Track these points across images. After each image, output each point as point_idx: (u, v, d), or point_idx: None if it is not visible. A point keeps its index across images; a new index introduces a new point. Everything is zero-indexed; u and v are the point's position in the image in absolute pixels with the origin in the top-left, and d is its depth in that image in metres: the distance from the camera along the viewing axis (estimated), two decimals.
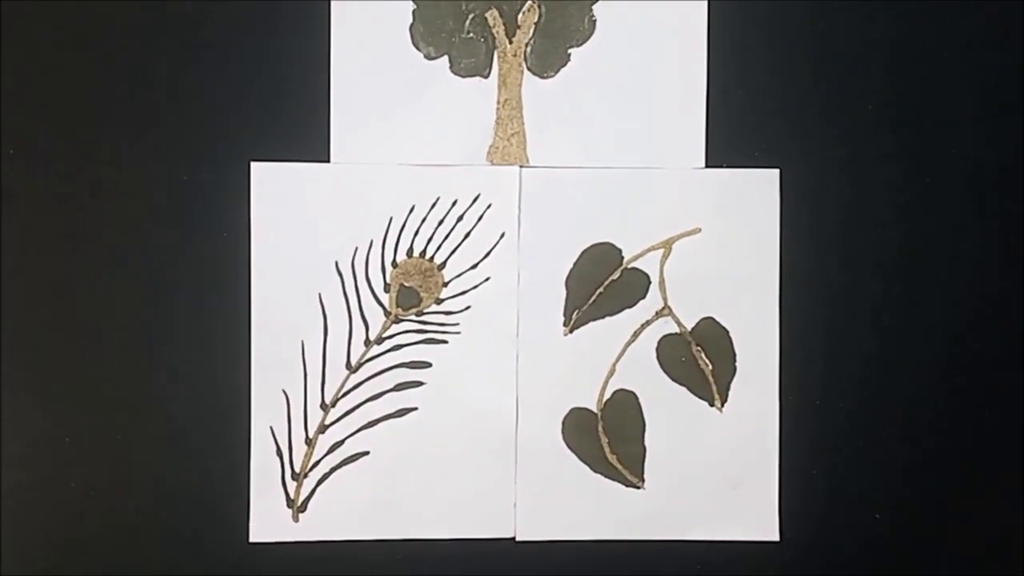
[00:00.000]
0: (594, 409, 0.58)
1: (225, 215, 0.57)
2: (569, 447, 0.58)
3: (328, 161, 0.57)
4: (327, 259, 0.57)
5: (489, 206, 0.58)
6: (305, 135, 0.57)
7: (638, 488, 0.58)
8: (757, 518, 0.58)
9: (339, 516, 0.58)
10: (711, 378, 0.58)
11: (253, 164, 0.57)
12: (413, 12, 0.57)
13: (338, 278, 0.57)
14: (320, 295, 0.57)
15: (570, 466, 0.57)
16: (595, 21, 0.57)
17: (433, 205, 0.57)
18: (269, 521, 0.57)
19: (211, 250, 0.57)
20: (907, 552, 0.59)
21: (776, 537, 0.58)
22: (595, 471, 0.58)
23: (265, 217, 0.57)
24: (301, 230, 0.57)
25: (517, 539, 0.57)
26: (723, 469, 0.58)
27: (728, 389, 0.58)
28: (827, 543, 0.59)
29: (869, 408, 0.59)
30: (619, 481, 0.58)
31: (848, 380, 0.59)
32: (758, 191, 0.58)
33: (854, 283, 0.59)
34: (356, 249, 0.57)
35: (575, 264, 0.58)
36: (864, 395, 0.59)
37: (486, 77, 0.57)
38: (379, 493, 0.57)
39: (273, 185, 0.57)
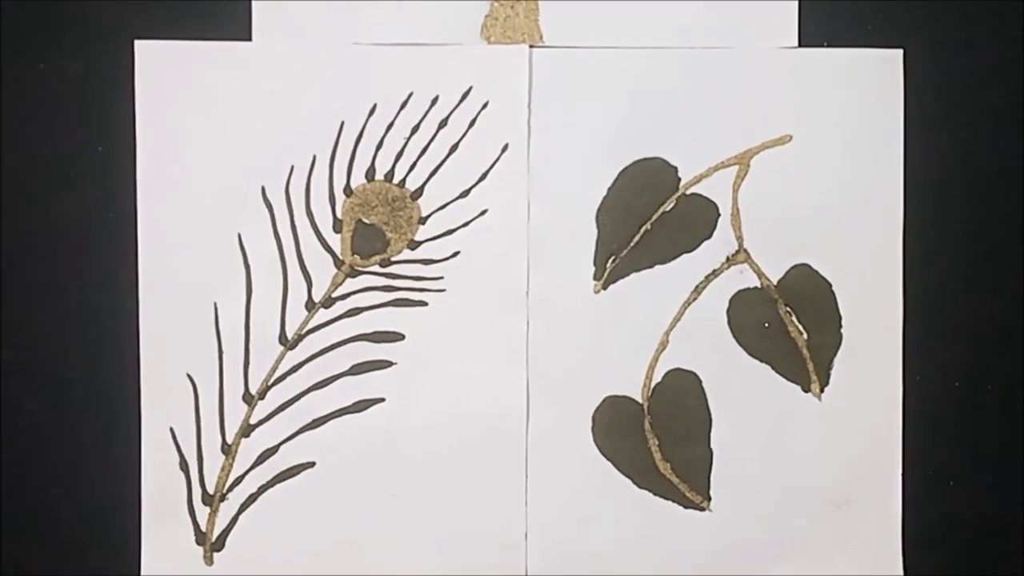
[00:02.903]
0: (638, 398, 0.50)
1: (99, 119, 0.49)
2: (603, 453, 0.50)
3: (249, 39, 0.49)
4: (249, 184, 0.49)
5: (485, 105, 0.49)
6: (216, 2, 0.49)
7: (702, 510, 0.51)
8: (872, 548, 0.51)
9: (271, 555, 0.50)
10: (806, 352, 0.50)
11: (138, 44, 0.49)
12: None
13: (266, 211, 0.49)
14: (240, 236, 0.49)
15: (604, 479, 0.50)
16: None
17: (403, 104, 0.49)
18: (169, 563, 0.50)
19: (80, 170, 0.49)
20: None
21: (899, 573, 0.51)
22: (640, 486, 0.50)
23: (156, 121, 0.49)
24: (210, 141, 0.49)
25: None
26: (824, 481, 0.51)
27: (830, 367, 0.51)
28: None
29: None
30: (675, 500, 0.50)
31: (1001, 354, 0.51)
32: (873, 80, 0.50)
33: (1013, 212, 0.51)
34: (292, 169, 0.49)
35: (610, 190, 0.50)
36: None
37: None
38: (329, 521, 0.50)
39: (167, 74, 0.49)
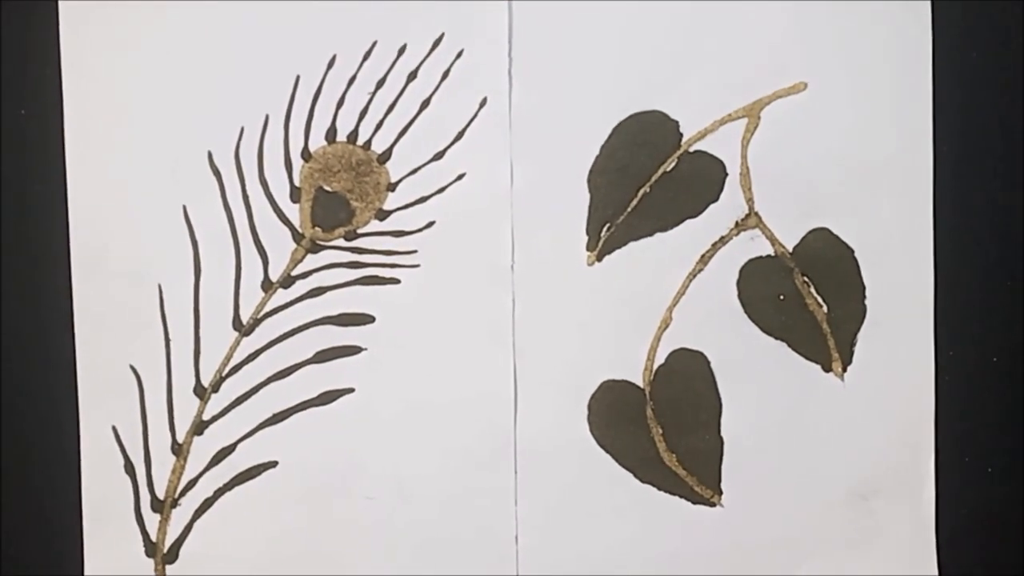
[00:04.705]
0: (639, 383, 0.49)
1: (21, 80, 0.48)
2: (600, 444, 0.49)
3: None
4: (194, 149, 0.48)
5: (460, 54, 0.48)
6: None
7: (712, 505, 0.49)
8: (903, 544, 0.50)
9: (230, 567, 0.48)
10: (826, 327, 0.49)
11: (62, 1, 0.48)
12: None
13: (213, 180, 0.48)
14: (185, 209, 0.48)
15: (603, 473, 0.49)
16: None
17: (367, 55, 0.48)
18: None
19: (1, 137, 0.48)
20: None
21: (933, 572, 0.49)
22: (643, 480, 0.49)
23: (85, 82, 0.47)
24: (148, 102, 0.48)
25: None
26: (848, 470, 0.49)
27: (853, 344, 0.49)
28: None
29: None
30: (682, 495, 0.49)
31: None
32: (898, 19, 0.49)
33: None
34: (241, 131, 0.48)
35: (603, 148, 0.49)
36: None
37: None
38: (295, 528, 0.48)
39: (97, 27, 0.47)
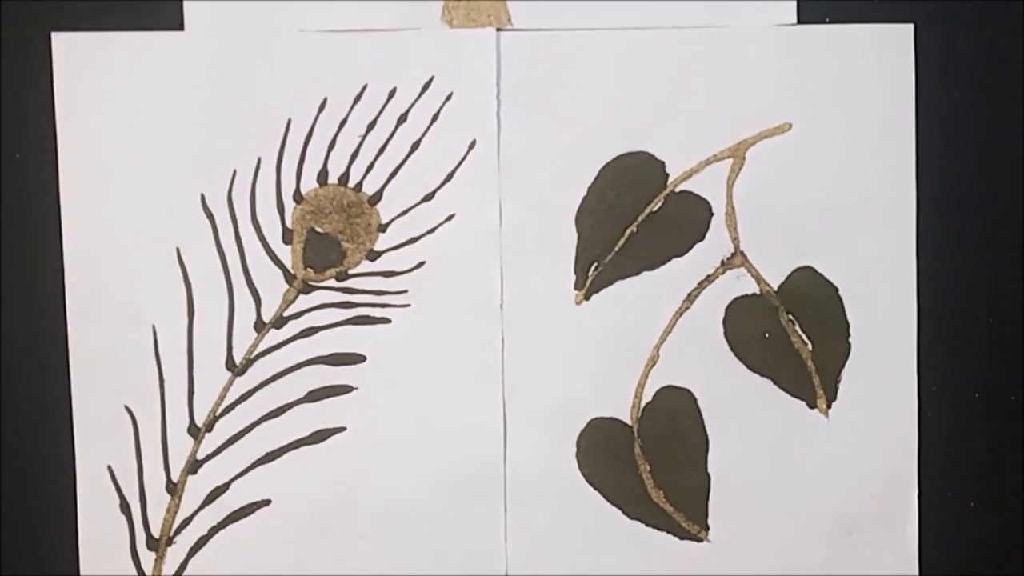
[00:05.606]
0: (627, 420, 0.49)
1: (15, 122, 0.47)
2: (589, 481, 0.49)
3: (181, 28, 0.47)
4: (187, 191, 0.48)
5: (449, 97, 0.48)
6: None
7: (700, 541, 0.49)
8: None
9: None
10: (811, 364, 0.49)
11: (55, 36, 0.47)
12: None
13: (206, 222, 0.48)
14: (178, 251, 0.48)
15: (591, 510, 0.49)
16: None
17: (357, 98, 0.48)
18: None
19: None
20: None
21: None
22: (631, 516, 0.49)
23: (79, 124, 0.47)
24: (142, 145, 0.47)
25: None
26: (832, 506, 0.49)
27: (838, 381, 0.49)
28: None
29: None
30: (670, 531, 0.49)
31: None
32: (881, 59, 0.48)
33: None
34: (234, 174, 0.48)
35: (591, 189, 0.49)
36: None
37: None
38: (288, 565, 0.48)
39: (90, 70, 0.47)
